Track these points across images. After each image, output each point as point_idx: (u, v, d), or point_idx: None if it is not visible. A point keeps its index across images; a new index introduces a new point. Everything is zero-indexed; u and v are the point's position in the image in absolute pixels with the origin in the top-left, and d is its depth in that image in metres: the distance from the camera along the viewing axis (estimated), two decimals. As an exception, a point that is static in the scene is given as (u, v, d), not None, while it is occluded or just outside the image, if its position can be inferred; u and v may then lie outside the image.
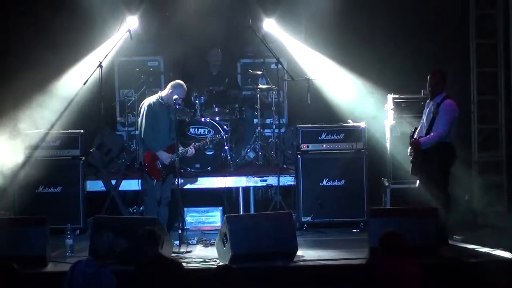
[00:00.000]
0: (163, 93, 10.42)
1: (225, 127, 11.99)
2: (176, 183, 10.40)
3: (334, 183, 11.25)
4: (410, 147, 10.23)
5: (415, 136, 10.22)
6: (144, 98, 10.92)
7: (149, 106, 10.32)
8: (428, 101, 10.32)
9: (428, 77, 10.21)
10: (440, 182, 10.03)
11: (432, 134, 10.07)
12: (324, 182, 11.25)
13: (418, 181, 10.28)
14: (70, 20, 11.98)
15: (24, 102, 11.51)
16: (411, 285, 7.26)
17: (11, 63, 11.79)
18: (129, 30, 11.77)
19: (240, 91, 13.03)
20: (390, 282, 7.21)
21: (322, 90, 12.46)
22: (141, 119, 10.33)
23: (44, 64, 11.72)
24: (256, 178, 11.61)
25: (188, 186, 11.41)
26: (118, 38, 11.76)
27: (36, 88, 11.67)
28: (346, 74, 12.36)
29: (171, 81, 10.62)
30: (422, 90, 11.33)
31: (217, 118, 12.12)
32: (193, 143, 10.69)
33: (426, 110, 10.28)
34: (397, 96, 11.67)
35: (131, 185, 11.46)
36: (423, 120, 10.32)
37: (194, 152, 10.59)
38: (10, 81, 11.61)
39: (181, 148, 10.44)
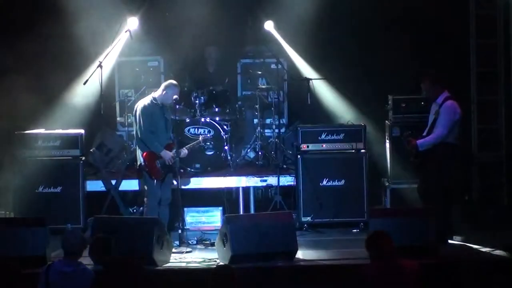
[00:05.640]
0: (156, 93, 10.41)
1: (225, 127, 11.99)
2: (176, 183, 10.40)
3: (334, 183, 11.24)
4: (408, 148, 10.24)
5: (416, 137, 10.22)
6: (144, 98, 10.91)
7: (144, 108, 10.29)
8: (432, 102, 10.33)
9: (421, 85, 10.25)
10: (439, 182, 10.03)
11: (430, 135, 10.07)
12: (324, 182, 11.25)
13: (418, 181, 10.29)
14: (70, 20, 11.97)
15: (25, 103, 11.53)
16: (411, 283, 7.23)
17: (11, 63, 11.78)
18: (129, 30, 11.80)
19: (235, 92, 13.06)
20: (390, 283, 7.19)
21: (322, 90, 12.46)
22: (138, 122, 10.28)
23: (44, 64, 11.72)
24: (256, 178, 11.60)
25: (188, 186, 11.41)
26: (118, 38, 11.76)
27: (37, 88, 11.67)
28: (345, 74, 12.37)
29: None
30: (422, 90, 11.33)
31: (217, 118, 12.11)
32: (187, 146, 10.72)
33: (432, 111, 10.28)
34: (397, 96, 11.67)
35: (131, 185, 11.45)
36: (429, 120, 10.32)
37: (187, 152, 10.59)
38: (10, 81, 11.61)
39: (174, 151, 10.38)
